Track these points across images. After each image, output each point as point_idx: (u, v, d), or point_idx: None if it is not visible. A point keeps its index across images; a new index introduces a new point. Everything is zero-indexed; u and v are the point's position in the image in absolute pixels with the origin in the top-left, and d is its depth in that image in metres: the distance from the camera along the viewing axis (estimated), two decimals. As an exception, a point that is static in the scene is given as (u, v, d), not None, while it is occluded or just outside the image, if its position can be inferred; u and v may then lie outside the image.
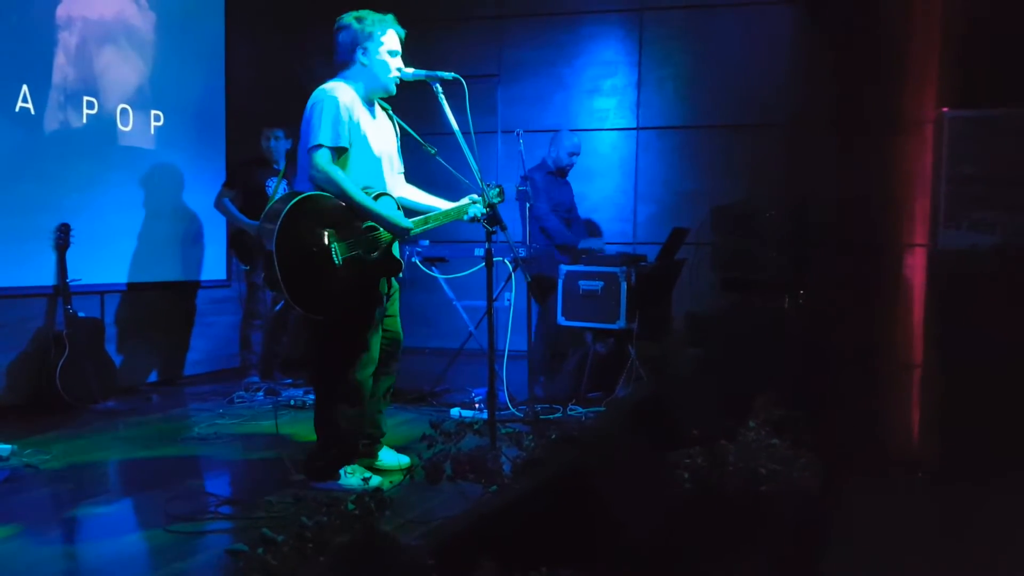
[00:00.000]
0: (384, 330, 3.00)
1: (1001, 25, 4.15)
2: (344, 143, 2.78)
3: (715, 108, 5.67)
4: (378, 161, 2.93)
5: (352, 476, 2.86)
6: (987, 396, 3.52)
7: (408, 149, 3.14)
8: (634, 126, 5.90)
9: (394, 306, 3.08)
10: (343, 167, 2.80)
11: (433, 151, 2.99)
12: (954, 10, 4.60)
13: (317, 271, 2.70)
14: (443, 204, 3.09)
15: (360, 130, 2.85)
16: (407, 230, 2.86)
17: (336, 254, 2.74)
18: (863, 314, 4.68)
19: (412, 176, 3.19)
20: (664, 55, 5.81)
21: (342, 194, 2.75)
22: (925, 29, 4.86)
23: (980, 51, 4.23)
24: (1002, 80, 4.12)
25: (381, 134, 2.97)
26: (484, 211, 2.95)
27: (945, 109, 4.17)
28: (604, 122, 5.94)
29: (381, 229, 2.85)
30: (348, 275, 2.76)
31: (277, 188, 4.69)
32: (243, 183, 4.82)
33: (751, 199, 5.49)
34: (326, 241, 2.71)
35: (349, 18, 2.89)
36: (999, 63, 4.13)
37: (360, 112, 2.86)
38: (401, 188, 3.10)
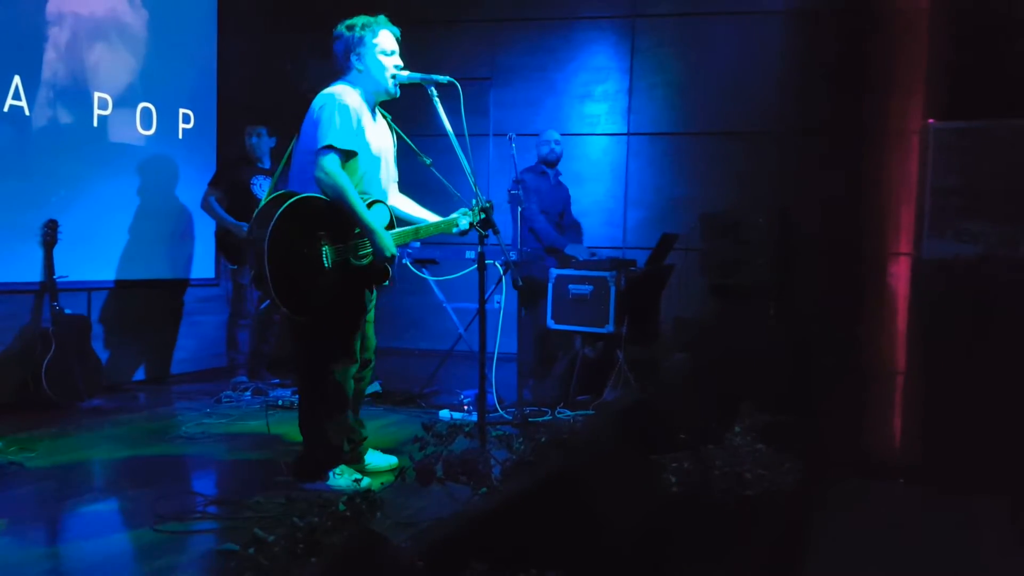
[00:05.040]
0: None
1: (986, 38, 4.23)
2: (353, 146, 2.80)
3: (705, 115, 5.72)
4: (377, 166, 2.95)
5: (341, 477, 2.86)
6: (969, 403, 3.58)
7: (403, 156, 3.15)
8: (625, 132, 5.94)
9: (370, 313, 3.07)
10: (347, 171, 2.80)
11: (428, 161, 3.00)
12: (940, 23, 4.67)
13: (306, 273, 2.70)
14: (434, 218, 3.10)
15: (364, 135, 2.86)
16: (391, 258, 2.84)
17: (326, 257, 2.74)
18: (848, 321, 4.73)
19: (405, 182, 3.20)
20: (655, 62, 5.85)
21: (342, 199, 2.75)
22: (912, 41, 4.93)
23: (966, 63, 4.29)
24: (987, 92, 4.18)
25: (380, 139, 2.98)
26: (477, 218, 2.96)
27: (931, 120, 4.23)
28: (595, 127, 5.98)
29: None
30: (336, 279, 2.76)
31: (271, 188, 4.68)
32: (228, 182, 4.81)
33: (740, 206, 5.54)
34: (318, 244, 2.72)
35: (340, 28, 2.91)
36: (984, 76, 4.20)
37: (365, 116, 2.88)
38: (394, 198, 3.11)
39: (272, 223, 2.61)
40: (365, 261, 2.85)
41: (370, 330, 3.09)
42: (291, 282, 2.67)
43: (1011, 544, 2.61)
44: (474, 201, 2.95)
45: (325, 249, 2.74)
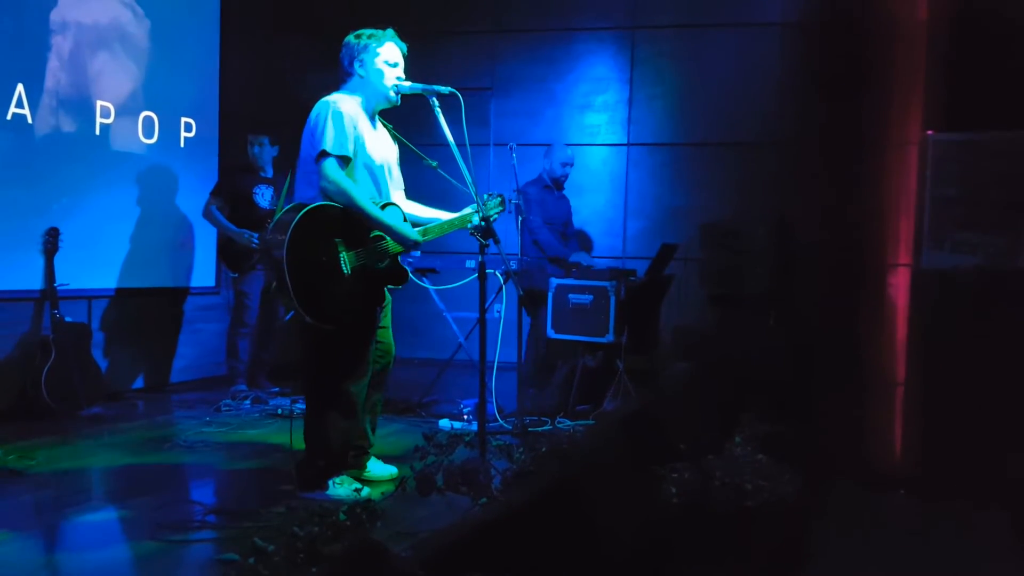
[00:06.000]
0: (377, 342, 3.01)
1: (985, 50, 4.25)
2: (348, 152, 2.81)
3: (705, 126, 5.75)
4: (380, 172, 2.96)
5: (341, 487, 2.85)
6: (970, 413, 3.58)
7: (407, 162, 3.17)
8: (625, 142, 5.96)
9: (387, 318, 3.09)
10: (347, 176, 2.82)
11: (434, 164, 3.03)
12: (939, 34, 4.70)
13: (327, 281, 2.72)
14: (445, 216, 3.11)
15: (363, 141, 2.88)
16: (416, 243, 2.88)
17: (345, 263, 2.76)
18: (847, 331, 4.73)
19: (410, 189, 3.22)
20: (655, 73, 5.88)
21: (352, 204, 2.77)
22: (910, 52, 4.96)
23: (964, 75, 4.31)
24: (986, 104, 4.20)
25: (382, 146, 2.99)
26: (482, 224, 2.98)
27: (929, 132, 4.25)
28: (595, 137, 6.00)
29: (388, 239, 2.88)
30: (356, 284, 2.79)
31: (282, 200, 4.70)
32: (230, 191, 4.82)
33: (739, 216, 5.56)
34: (335, 251, 2.74)
35: (349, 36, 2.95)
36: (983, 87, 4.22)
37: (363, 123, 2.89)
38: (402, 204, 3.12)
39: (288, 234, 2.64)
40: (383, 264, 2.87)
41: (388, 336, 3.11)
42: (313, 291, 2.68)
43: (1011, 553, 2.61)
44: (483, 197, 2.97)
45: (343, 255, 2.75)
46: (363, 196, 2.80)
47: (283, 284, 2.63)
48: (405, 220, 2.96)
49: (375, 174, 2.94)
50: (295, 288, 2.63)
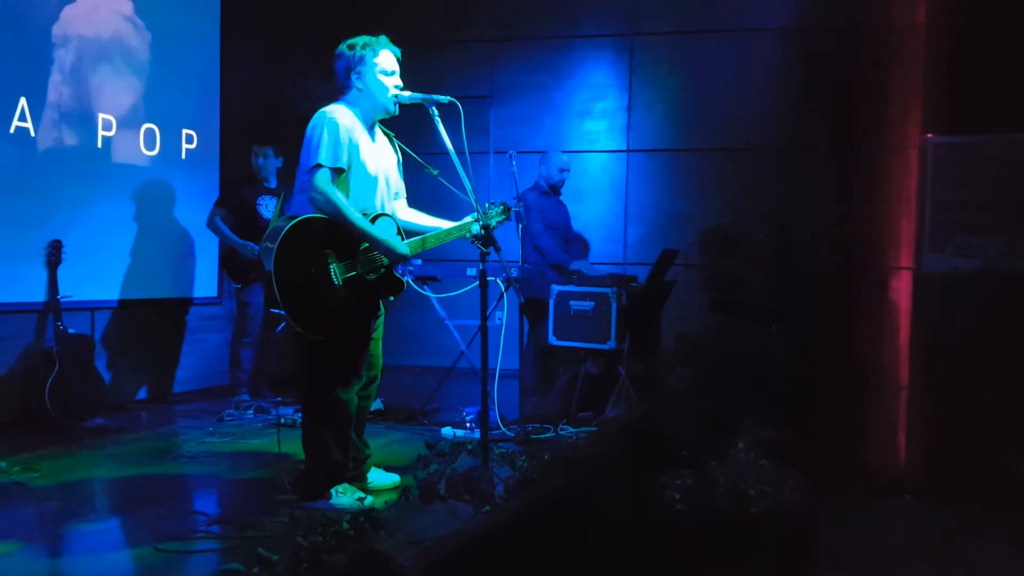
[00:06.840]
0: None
1: (984, 52, 4.26)
2: (342, 164, 2.81)
3: (704, 132, 5.76)
4: (373, 184, 2.95)
5: (344, 496, 2.85)
6: (973, 417, 3.57)
7: (408, 171, 3.17)
8: (624, 148, 5.97)
9: (378, 331, 3.08)
10: (340, 188, 2.83)
11: (435, 172, 3.03)
12: (938, 38, 4.71)
13: (317, 292, 2.72)
14: (446, 225, 3.11)
15: (358, 152, 2.87)
16: (404, 256, 2.87)
17: (335, 275, 2.76)
18: (850, 336, 4.73)
19: (412, 197, 3.22)
20: (654, 79, 5.90)
21: (340, 216, 2.77)
22: (910, 56, 4.98)
23: (964, 78, 4.33)
24: (985, 107, 4.21)
25: (379, 157, 2.98)
26: (483, 232, 2.98)
27: (929, 135, 4.26)
28: (595, 144, 6.02)
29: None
30: (349, 295, 2.78)
31: (279, 209, 4.72)
32: (234, 201, 4.84)
33: (739, 222, 5.57)
34: (325, 262, 2.74)
35: (342, 47, 2.94)
36: (982, 90, 4.23)
37: (360, 135, 2.89)
38: (404, 212, 3.12)
39: (277, 245, 2.65)
40: (375, 275, 2.86)
41: (378, 348, 3.10)
42: (302, 301, 2.69)
43: (1015, 556, 2.61)
44: (484, 205, 2.97)
45: (333, 267, 2.76)
46: (351, 208, 2.79)
47: (271, 294, 2.64)
48: (399, 231, 2.95)
49: (369, 185, 2.93)
50: (283, 298, 2.64)
